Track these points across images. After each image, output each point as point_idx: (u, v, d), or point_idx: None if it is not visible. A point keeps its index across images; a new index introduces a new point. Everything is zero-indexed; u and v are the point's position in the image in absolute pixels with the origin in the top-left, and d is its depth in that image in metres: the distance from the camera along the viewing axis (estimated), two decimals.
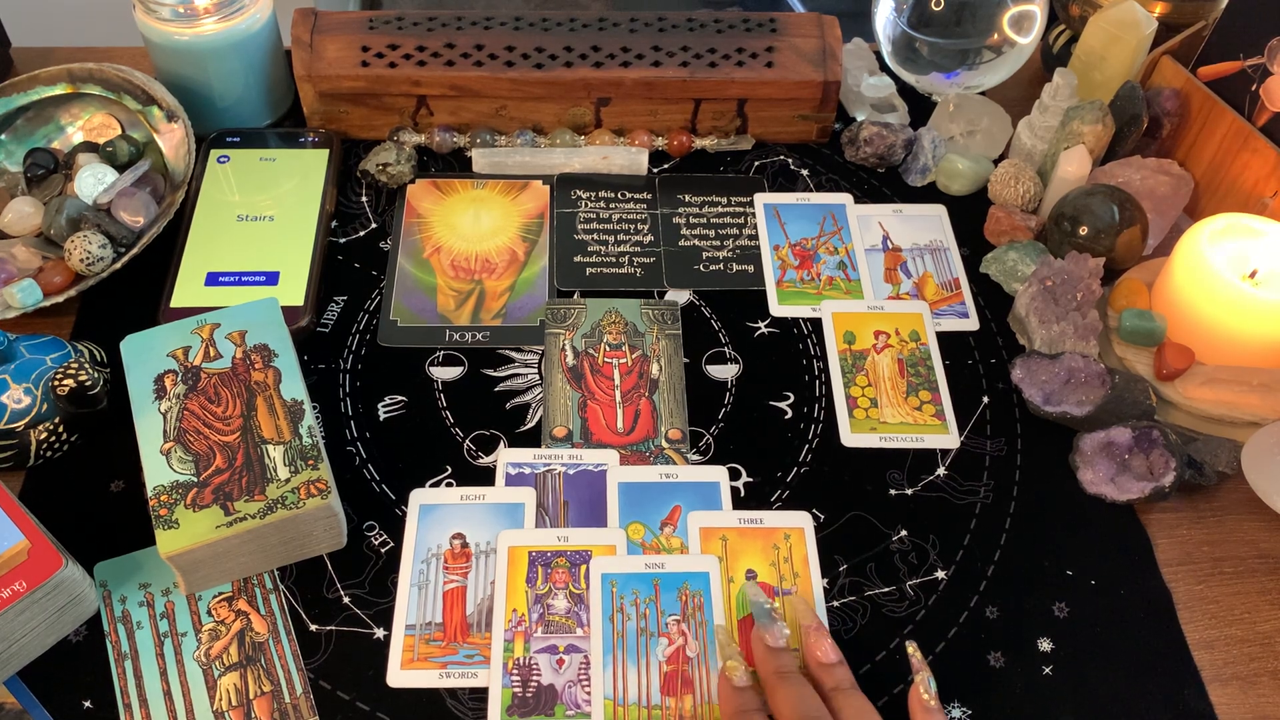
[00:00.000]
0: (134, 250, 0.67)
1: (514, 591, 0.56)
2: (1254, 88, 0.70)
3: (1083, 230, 0.68)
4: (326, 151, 0.76)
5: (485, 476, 0.61)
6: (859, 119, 0.81)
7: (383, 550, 0.58)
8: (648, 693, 0.52)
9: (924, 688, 0.50)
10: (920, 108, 0.81)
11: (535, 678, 0.53)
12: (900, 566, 0.58)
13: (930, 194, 0.77)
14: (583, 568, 0.57)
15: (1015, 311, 0.69)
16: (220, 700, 0.52)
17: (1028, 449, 0.64)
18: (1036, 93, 0.77)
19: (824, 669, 0.51)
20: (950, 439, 0.64)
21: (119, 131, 0.75)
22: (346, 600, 0.56)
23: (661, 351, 0.67)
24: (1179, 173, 0.73)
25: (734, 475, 0.62)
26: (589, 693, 0.53)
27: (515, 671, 0.53)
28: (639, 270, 0.72)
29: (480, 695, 0.53)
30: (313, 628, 0.55)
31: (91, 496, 0.59)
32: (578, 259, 0.72)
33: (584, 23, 0.77)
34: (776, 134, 0.80)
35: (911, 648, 0.52)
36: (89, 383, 0.59)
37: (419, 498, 0.59)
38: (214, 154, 0.75)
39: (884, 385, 0.66)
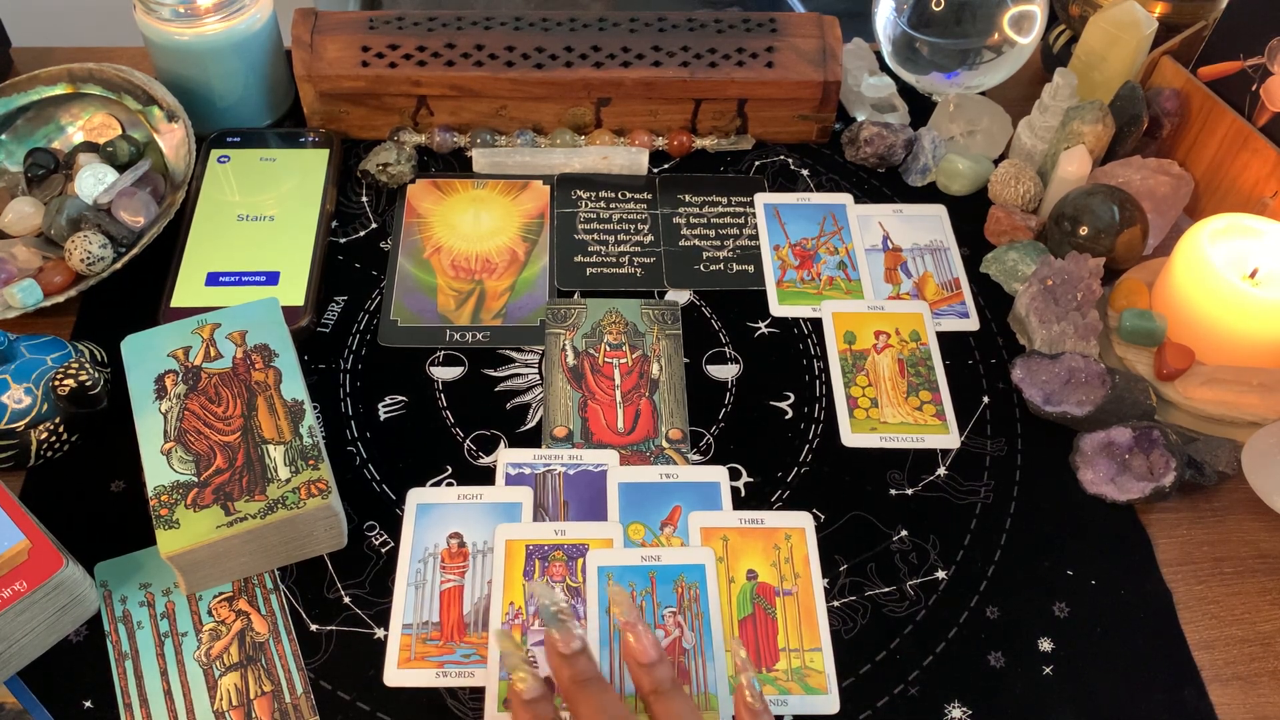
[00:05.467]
0: (134, 250, 0.67)
1: (511, 585, 0.56)
2: (1254, 88, 0.70)
3: (1083, 230, 0.68)
4: (326, 151, 0.76)
5: (485, 476, 0.61)
6: (859, 119, 0.81)
7: (383, 550, 0.58)
8: None
9: (750, 689, 0.47)
10: (920, 108, 0.81)
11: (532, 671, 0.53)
12: (900, 566, 0.58)
13: (930, 194, 0.77)
14: (579, 561, 0.57)
15: (1015, 311, 0.69)
16: (221, 700, 0.52)
17: (1028, 449, 0.64)
18: (1036, 93, 0.77)
19: (642, 670, 0.47)
20: (950, 439, 0.64)
21: (119, 131, 0.75)
22: (347, 600, 0.56)
23: (662, 351, 0.67)
24: (1179, 173, 0.73)
25: (734, 475, 0.62)
26: None
27: None
28: (639, 270, 0.72)
29: (481, 694, 0.53)
30: (313, 628, 0.55)
31: (91, 496, 0.59)
32: (578, 259, 0.72)
33: (584, 23, 0.77)
34: (776, 134, 0.80)
35: (736, 644, 0.49)
36: (89, 383, 0.59)
37: (416, 497, 0.59)
38: (214, 154, 0.75)
39: (884, 385, 0.66)
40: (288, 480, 0.54)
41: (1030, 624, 0.56)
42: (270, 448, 0.55)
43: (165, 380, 0.57)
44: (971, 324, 0.70)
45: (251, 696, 0.52)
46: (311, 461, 0.55)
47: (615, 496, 0.60)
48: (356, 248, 0.72)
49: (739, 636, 0.55)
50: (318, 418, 0.63)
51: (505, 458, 0.61)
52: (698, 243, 0.73)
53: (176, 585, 0.55)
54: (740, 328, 0.69)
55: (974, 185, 0.77)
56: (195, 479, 0.53)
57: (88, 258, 0.66)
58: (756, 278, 0.72)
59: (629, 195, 0.76)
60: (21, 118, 0.75)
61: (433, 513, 0.59)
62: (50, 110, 0.76)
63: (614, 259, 0.72)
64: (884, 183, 0.78)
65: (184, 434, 0.55)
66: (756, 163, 0.79)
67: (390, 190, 0.76)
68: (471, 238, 0.73)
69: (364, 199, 0.75)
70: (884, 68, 0.82)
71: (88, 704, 0.52)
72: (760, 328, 0.69)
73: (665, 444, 0.63)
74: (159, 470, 0.54)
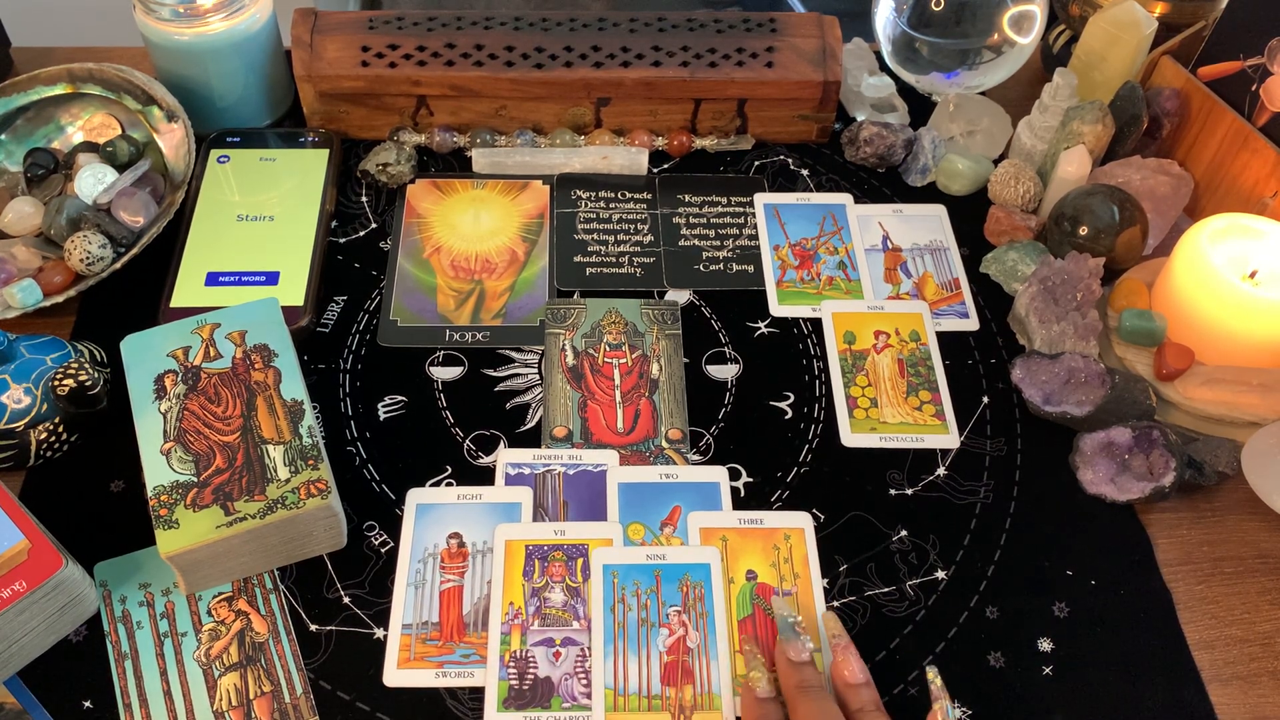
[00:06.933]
0: (134, 250, 0.67)
1: (511, 585, 0.56)
2: (1254, 88, 0.70)
3: (1083, 230, 0.68)
4: (326, 151, 0.76)
5: (485, 476, 0.61)
6: (859, 119, 0.81)
7: (383, 550, 0.58)
8: (648, 682, 0.53)
9: (943, 715, 0.50)
10: (920, 108, 0.81)
11: (532, 670, 0.53)
12: (900, 566, 0.58)
13: (930, 194, 0.77)
14: (579, 561, 0.57)
15: (1015, 311, 0.69)
16: (220, 700, 0.52)
17: (1028, 449, 0.64)
18: (1036, 93, 0.77)
19: (850, 689, 0.50)
20: (950, 439, 0.64)
21: (119, 131, 0.75)
22: (346, 600, 0.56)
23: (661, 351, 0.67)
24: (1179, 173, 0.73)
25: (734, 475, 0.62)
26: (586, 685, 0.53)
27: (512, 664, 0.53)
28: (639, 270, 0.72)
29: (480, 694, 0.53)
30: (313, 628, 0.55)
31: (91, 496, 0.59)
32: (578, 259, 0.72)
33: (584, 23, 0.77)
34: (776, 134, 0.80)
35: (932, 673, 0.52)
36: (89, 383, 0.59)
37: (416, 497, 0.59)
38: (214, 154, 0.75)
39: (884, 385, 0.66)
40: (287, 480, 0.54)
41: (1030, 624, 0.56)
42: (270, 448, 0.55)
43: (165, 380, 0.57)
44: (971, 324, 0.70)
45: (251, 696, 0.52)
46: (311, 461, 0.55)
47: (615, 496, 0.60)
48: (356, 248, 0.72)
49: (743, 634, 0.55)
50: (317, 418, 0.63)
51: (505, 458, 0.61)
52: (697, 243, 0.73)
53: (176, 585, 0.55)
54: (740, 328, 0.69)
55: (974, 185, 0.77)
56: (195, 479, 0.53)
57: (87, 258, 0.66)
58: (756, 278, 0.72)
59: (629, 195, 0.76)
60: (21, 118, 0.75)
61: (432, 513, 0.59)
62: (50, 110, 0.76)
63: (614, 259, 0.72)
64: (884, 183, 0.78)
65: (183, 434, 0.55)
66: (756, 163, 0.79)
67: (390, 190, 0.76)
68: (471, 238, 0.73)
69: (364, 199, 0.75)
70: (884, 68, 0.82)
71: (87, 704, 0.52)
72: (760, 328, 0.69)
73: (665, 444, 0.63)
74: (158, 470, 0.54)
